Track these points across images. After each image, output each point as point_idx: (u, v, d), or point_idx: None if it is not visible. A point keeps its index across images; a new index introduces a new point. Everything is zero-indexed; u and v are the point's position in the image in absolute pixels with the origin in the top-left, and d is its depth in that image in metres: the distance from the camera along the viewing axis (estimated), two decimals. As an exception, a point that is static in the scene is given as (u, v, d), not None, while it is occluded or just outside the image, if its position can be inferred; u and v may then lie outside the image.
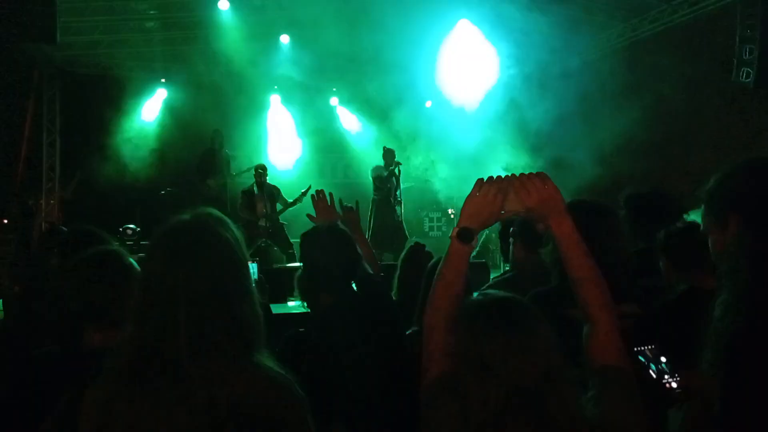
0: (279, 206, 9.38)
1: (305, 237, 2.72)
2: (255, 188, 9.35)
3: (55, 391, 1.83)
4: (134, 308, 1.43)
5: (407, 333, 2.84)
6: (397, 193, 9.74)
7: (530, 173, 1.67)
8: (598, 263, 1.65)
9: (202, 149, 11.04)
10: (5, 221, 12.18)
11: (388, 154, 9.79)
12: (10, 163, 11.79)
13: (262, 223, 8.96)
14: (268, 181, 9.52)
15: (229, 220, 1.57)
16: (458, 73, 11.91)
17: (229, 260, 1.47)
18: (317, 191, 3.36)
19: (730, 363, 1.54)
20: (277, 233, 9.28)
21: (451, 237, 1.70)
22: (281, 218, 9.51)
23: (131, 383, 1.37)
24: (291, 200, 9.34)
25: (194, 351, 1.36)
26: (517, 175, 1.68)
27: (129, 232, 10.52)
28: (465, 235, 1.66)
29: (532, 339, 1.40)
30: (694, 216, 3.06)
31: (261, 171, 9.42)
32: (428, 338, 1.65)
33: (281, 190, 9.58)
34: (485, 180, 1.68)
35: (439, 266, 1.71)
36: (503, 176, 1.69)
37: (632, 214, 3.20)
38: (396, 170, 9.60)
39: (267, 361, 1.47)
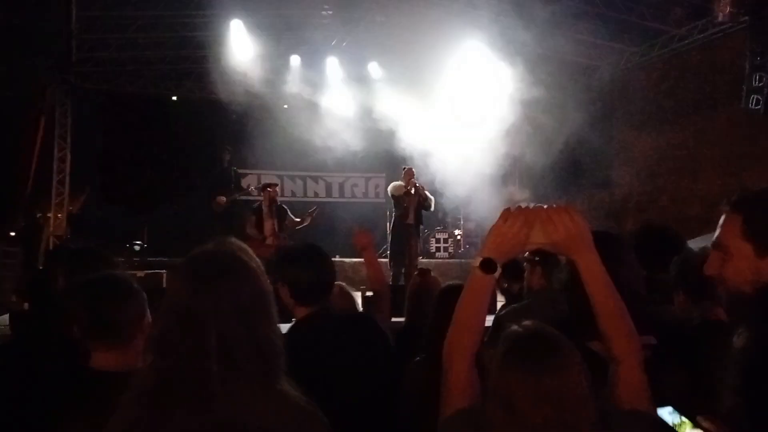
0: (286, 226, 9.38)
1: (286, 253, 2.74)
2: (263, 207, 9.35)
3: (61, 411, 1.84)
4: (158, 336, 1.44)
5: (415, 360, 2.83)
6: (419, 213, 9.74)
7: (558, 206, 1.62)
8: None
9: (211, 167, 11.13)
10: (12, 234, 12.26)
11: (407, 174, 9.83)
12: (20, 176, 11.87)
13: (269, 241, 8.95)
14: (277, 200, 9.53)
15: (248, 249, 1.59)
16: (467, 90, 11.97)
17: (255, 287, 1.49)
18: (358, 229, 3.39)
19: (759, 396, 1.49)
20: None
21: (472, 267, 1.66)
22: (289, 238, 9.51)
23: (158, 410, 1.38)
24: (298, 220, 9.36)
25: (224, 378, 1.37)
26: (545, 206, 1.63)
27: (136, 248, 10.57)
28: (488, 265, 1.62)
29: (567, 387, 1.37)
30: (697, 243, 3.06)
31: (270, 190, 9.44)
32: (448, 371, 1.62)
33: (288, 211, 9.59)
34: (511, 210, 1.64)
35: (461, 297, 1.67)
36: (530, 206, 1.65)
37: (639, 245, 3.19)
38: (412, 190, 9.62)
39: (290, 387, 1.48)
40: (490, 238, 1.64)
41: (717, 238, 1.70)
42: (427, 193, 9.82)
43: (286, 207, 9.59)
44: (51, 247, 11.68)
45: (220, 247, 1.53)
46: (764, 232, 1.61)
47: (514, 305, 3.43)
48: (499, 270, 1.63)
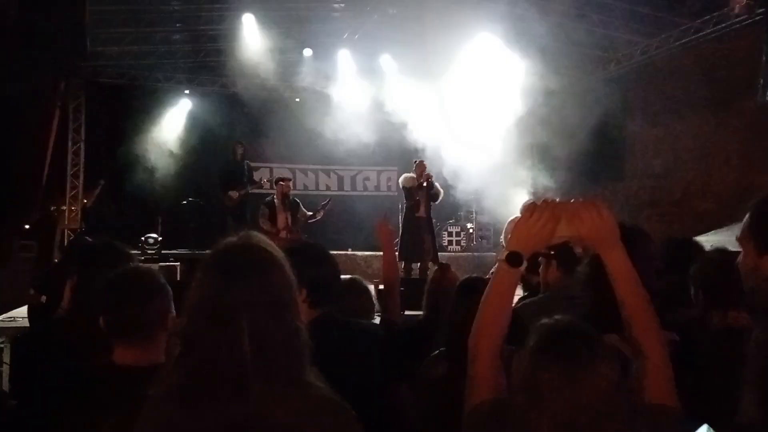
0: (299, 220, 9.42)
1: (301, 250, 2.59)
2: (276, 200, 9.38)
3: (81, 406, 1.85)
4: (187, 330, 1.45)
5: (432, 354, 2.83)
6: (429, 206, 9.75)
7: (585, 201, 1.62)
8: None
9: (224, 161, 11.16)
10: (27, 227, 12.35)
11: (419, 166, 9.81)
12: (35, 170, 11.95)
13: (282, 235, 8.99)
14: (290, 194, 9.56)
15: (272, 241, 1.58)
16: (480, 82, 11.93)
17: (283, 280, 1.50)
18: (382, 219, 3.35)
19: None
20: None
21: (498, 260, 1.66)
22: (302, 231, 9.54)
23: (190, 404, 1.39)
24: (310, 213, 9.40)
25: (255, 371, 1.38)
26: (572, 200, 1.63)
27: (150, 241, 10.62)
28: (514, 259, 1.62)
29: (598, 379, 1.39)
30: (709, 238, 3.08)
31: (283, 183, 9.47)
32: (474, 363, 1.63)
33: (300, 204, 9.62)
34: (538, 204, 1.64)
35: (487, 290, 1.67)
36: (556, 200, 1.65)
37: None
38: (424, 183, 9.61)
39: (317, 379, 1.49)
40: (516, 232, 1.64)
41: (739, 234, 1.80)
42: (437, 185, 9.81)
43: (298, 201, 9.63)
44: (65, 240, 11.77)
45: (247, 240, 1.53)
46: (764, 231, 1.68)
47: (531, 299, 3.43)
48: (524, 264, 1.63)
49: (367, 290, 3.55)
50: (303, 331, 1.48)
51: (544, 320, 1.53)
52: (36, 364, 2.40)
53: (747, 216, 1.74)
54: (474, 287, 2.93)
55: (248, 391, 1.37)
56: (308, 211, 9.47)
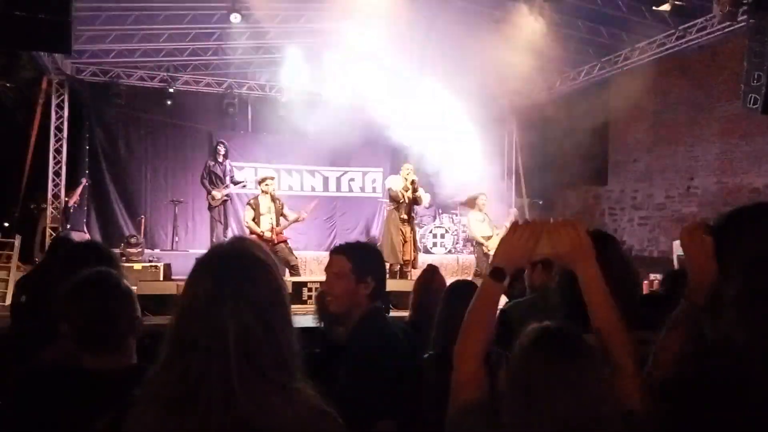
0: (282, 221, 9.36)
1: (363, 246, 2.81)
2: (260, 201, 9.33)
3: (55, 410, 1.83)
4: (175, 333, 1.44)
5: (424, 357, 2.85)
6: (412, 209, 9.79)
7: (564, 220, 1.77)
8: (613, 290, 1.71)
9: (207, 161, 11.16)
10: (6, 224, 12.22)
11: (406, 170, 9.87)
12: (15, 167, 11.84)
13: (267, 236, 8.95)
14: (274, 194, 9.50)
15: (263, 245, 1.59)
16: (467, 86, 11.99)
17: (273, 286, 1.49)
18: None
19: None
20: (281, 246, 9.24)
21: (483, 275, 1.82)
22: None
23: (176, 408, 1.38)
24: (295, 215, 9.35)
25: (243, 377, 1.37)
26: (551, 220, 1.79)
27: (133, 241, 10.55)
28: (497, 274, 1.76)
29: (588, 379, 1.49)
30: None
31: (269, 182, 9.41)
32: (459, 369, 1.74)
33: (285, 205, 9.57)
34: (519, 223, 1.78)
35: (472, 303, 1.78)
36: (537, 220, 1.80)
37: None
38: (409, 185, 9.66)
39: (307, 387, 1.48)
40: (500, 249, 1.79)
41: None
42: (422, 190, 9.85)
43: (283, 201, 9.59)
44: (46, 239, 11.66)
45: (238, 245, 1.53)
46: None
47: (519, 299, 3.48)
48: (507, 279, 1.76)
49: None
50: (293, 339, 1.48)
51: (534, 324, 1.61)
52: (14, 361, 2.38)
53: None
54: (463, 290, 2.96)
55: (235, 397, 1.36)
56: (293, 212, 9.43)
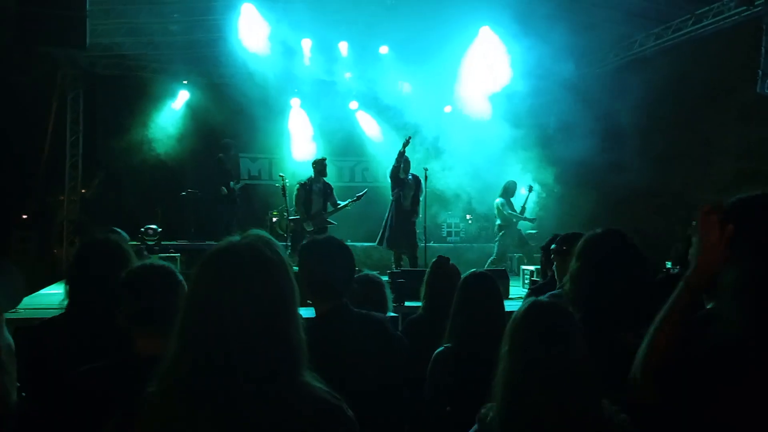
0: (330, 207, 9.34)
1: (305, 248, 2.72)
2: (312, 184, 9.26)
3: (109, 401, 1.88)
4: (181, 325, 1.47)
5: (442, 349, 2.85)
6: (420, 198, 9.71)
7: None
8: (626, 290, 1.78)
9: (215, 159, 11.40)
10: (24, 217, 12.37)
11: (405, 161, 9.77)
12: (33, 161, 11.97)
13: (314, 220, 9.08)
14: (322, 178, 9.41)
15: (276, 242, 1.59)
16: (478, 78, 11.96)
17: (276, 282, 1.49)
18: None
19: None
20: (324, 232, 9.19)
21: (685, 284, 1.68)
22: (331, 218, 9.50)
23: (186, 407, 1.40)
24: (342, 203, 9.35)
25: (246, 372, 1.40)
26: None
27: (150, 231, 10.63)
28: (700, 284, 1.66)
29: (571, 338, 1.72)
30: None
31: (324, 165, 9.32)
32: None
33: (333, 190, 9.55)
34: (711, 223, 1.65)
35: (663, 316, 1.69)
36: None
37: None
38: (410, 177, 9.57)
39: (315, 381, 1.50)
40: (702, 258, 1.65)
41: None
42: (422, 181, 9.71)
43: (332, 186, 9.55)
44: (65, 231, 11.80)
45: (245, 240, 1.53)
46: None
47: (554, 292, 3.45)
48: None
49: (381, 283, 3.57)
50: (297, 333, 1.49)
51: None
52: (51, 357, 2.42)
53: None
54: (480, 281, 2.96)
55: (242, 392, 1.39)
56: (339, 200, 9.42)
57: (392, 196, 9.58)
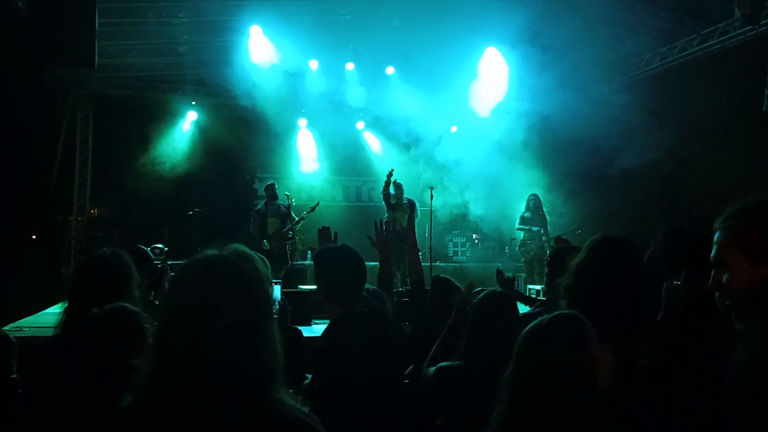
0: (288, 224, 10.07)
1: (320, 255, 2.92)
2: (266, 207, 10.17)
3: None
4: (158, 337, 1.46)
5: (452, 365, 2.83)
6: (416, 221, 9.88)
7: None
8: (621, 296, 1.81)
9: (231, 172, 11.56)
10: (33, 237, 12.41)
11: (396, 187, 10.16)
12: (42, 180, 12.03)
13: (272, 243, 9.53)
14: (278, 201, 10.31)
15: (253, 256, 1.57)
16: (484, 98, 11.99)
17: (249, 297, 1.47)
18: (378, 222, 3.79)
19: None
20: (281, 251, 9.96)
21: None
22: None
23: (162, 420, 1.39)
24: (296, 218, 10.16)
25: (215, 388, 1.38)
26: None
27: (157, 251, 10.62)
28: None
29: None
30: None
31: (274, 189, 10.29)
32: None
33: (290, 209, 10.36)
34: None
35: None
36: None
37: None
38: (404, 201, 10.08)
39: (287, 398, 1.47)
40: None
41: (714, 255, 1.73)
42: (417, 205, 10.13)
43: (287, 206, 10.12)
44: (72, 250, 11.83)
45: (221, 254, 1.51)
46: (757, 243, 1.64)
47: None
48: None
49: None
50: (273, 350, 1.47)
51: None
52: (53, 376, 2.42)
53: (724, 233, 1.70)
54: (498, 301, 2.94)
55: (212, 408, 1.36)
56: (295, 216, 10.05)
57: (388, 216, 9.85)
